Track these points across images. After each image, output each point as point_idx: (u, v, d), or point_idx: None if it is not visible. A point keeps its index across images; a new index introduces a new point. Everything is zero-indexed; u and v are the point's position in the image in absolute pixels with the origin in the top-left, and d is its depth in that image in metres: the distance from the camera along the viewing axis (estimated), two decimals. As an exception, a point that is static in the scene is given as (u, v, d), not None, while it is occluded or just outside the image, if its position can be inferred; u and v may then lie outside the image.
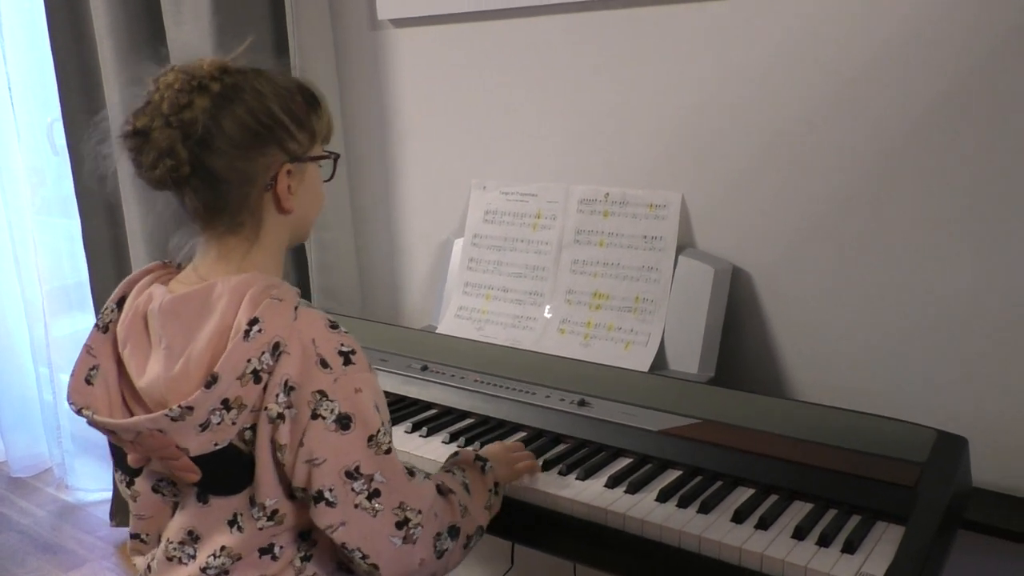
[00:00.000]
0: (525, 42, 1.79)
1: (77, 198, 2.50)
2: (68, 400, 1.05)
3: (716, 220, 1.63)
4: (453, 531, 1.08)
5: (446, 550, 1.07)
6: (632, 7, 1.64)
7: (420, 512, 1.03)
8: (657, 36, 1.63)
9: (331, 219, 2.07)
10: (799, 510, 1.21)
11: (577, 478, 1.31)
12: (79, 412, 1.04)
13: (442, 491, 1.12)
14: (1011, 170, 1.35)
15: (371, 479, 1.00)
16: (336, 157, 1.14)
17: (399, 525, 1.01)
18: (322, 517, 1.00)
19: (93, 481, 2.98)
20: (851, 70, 1.45)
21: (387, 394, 1.60)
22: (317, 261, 2.07)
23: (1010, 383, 1.40)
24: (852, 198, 1.49)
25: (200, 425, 0.97)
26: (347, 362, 1.01)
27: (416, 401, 1.60)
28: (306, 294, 2.13)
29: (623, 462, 1.37)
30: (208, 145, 0.99)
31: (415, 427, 1.50)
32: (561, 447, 1.42)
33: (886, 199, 1.46)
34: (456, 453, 1.26)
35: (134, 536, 1.14)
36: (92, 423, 1.03)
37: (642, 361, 1.58)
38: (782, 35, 1.50)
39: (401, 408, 1.59)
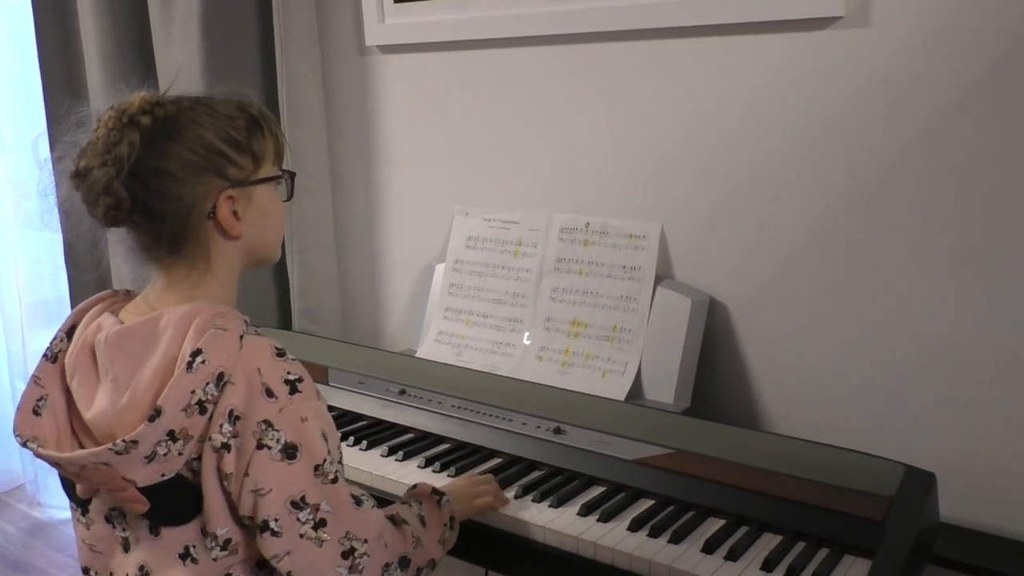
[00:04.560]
0: (511, 72, 1.82)
1: (59, 212, 2.49)
2: (14, 432, 1.04)
3: (695, 252, 1.65)
4: (403, 562, 1.08)
5: None
6: (616, 40, 1.67)
7: (366, 541, 1.02)
8: (640, 69, 1.65)
9: (314, 241, 2.08)
10: (768, 542, 1.22)
11: (550, 505, 1.32)
12: (24, 444, 1.03)
13: (395, 522, 1.11)
14: (990, 209, 1.37)
15: (317, 509, 0.99)
16: (290, 176, 1.13)
17: (345, 555, 1.01)
18: (268, 547, 0.99)
19: (66, 499, 2.93)
20: (832, 108, 1.48)
21: (364, 417, 1.63)
22: (299, 283, 2.08)
23: (978, 420, 1.42)
24: (830, 234, 1.51)
25: (146, 457, 0.96)
26: (293, 391, 0.99)
27: (393, 425, 1.60)
28: (287, 315, 2.14)
29: (596, 490, 1.37)
30: (142, 179, 1.00)
31: (391, 451, 1.50)
32: (535, 474, 1.43)
33: (863, 236, 1.48)
34: (415, 486, 1.26)
35: (85, 571, 1.13)
36: (38, 456, 1.02)
37: (619, 390, 1.59)
38: (764, 71, 1.53)
39: (378, 432, 1.59)
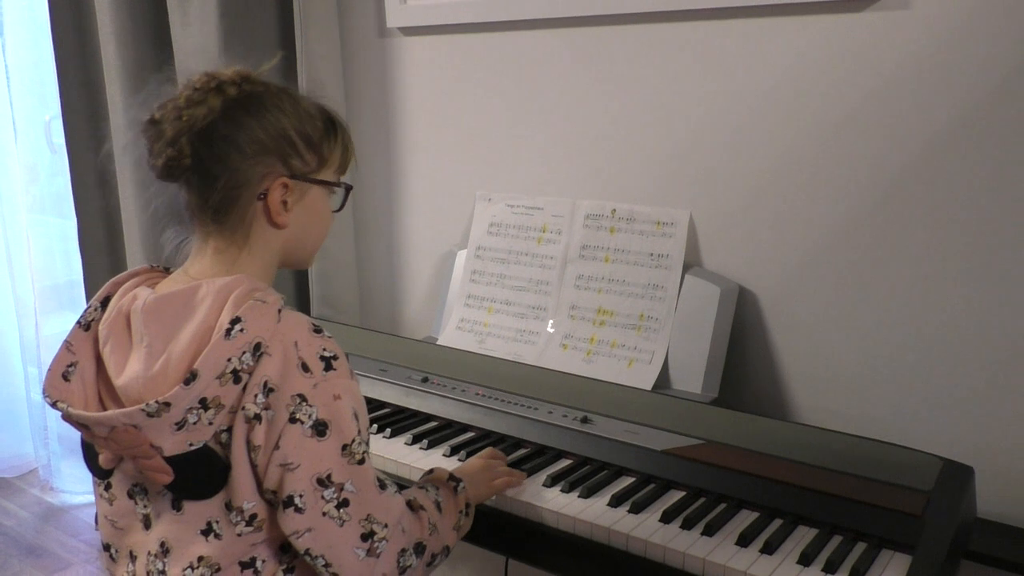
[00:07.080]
0: (535, 55, 1.78)
1: (74, 196, 2.48)
2: (43, 393, 1.05)
3: (723, 240, 1.62)
4: (419, 548, 1.08)
5: (409, 566, 1.06)
6: (641, 23, 1.64)
7: (387, 526, 1.03)
8: (667, 53, 1.62)
9: (333, 227, 2.05)
10: (804, 535, 1.20)
11: (579, 496, 1.30)
12: (54, 405, 1.03)
13: (413, 507, 1.11)
14: (1013, 199, 1.34)
15: (341, 488, 1.00)
16: (348, 188, 1.16)
17: (364, 537, 1.01)
18: (289, 523, 0.99)
19: (79, 483, 2.94)
20: (858, 95, 1.45)
21: (387, 404, 1.61)
22: (317, 269, 2.06)
23: (1014, 412, 1.40)
24: (859, 221, 1.48)
25: (176, 424, 0.97)
26: (328, 367, 1.00)
27: (416, 413, 1.58)
28: (305, 302, 2.12)
29: (626, 481, 1.35)
30: (209, 142, 1.02)
31: (415, 439, 1.48)
32: (563, 464, 1.41)
33: (892, 223, 1.45)
34: (431, 470, 1.26)
35: (106, 547, 1.13)
36: (67, 416, 1.03)
37: (645, 379, 1.56)
38: (790, 57, 1.50)
39: (401, 420, 1.57)
